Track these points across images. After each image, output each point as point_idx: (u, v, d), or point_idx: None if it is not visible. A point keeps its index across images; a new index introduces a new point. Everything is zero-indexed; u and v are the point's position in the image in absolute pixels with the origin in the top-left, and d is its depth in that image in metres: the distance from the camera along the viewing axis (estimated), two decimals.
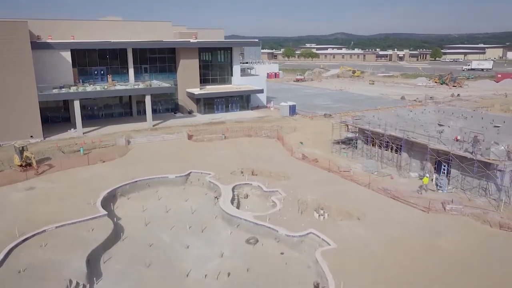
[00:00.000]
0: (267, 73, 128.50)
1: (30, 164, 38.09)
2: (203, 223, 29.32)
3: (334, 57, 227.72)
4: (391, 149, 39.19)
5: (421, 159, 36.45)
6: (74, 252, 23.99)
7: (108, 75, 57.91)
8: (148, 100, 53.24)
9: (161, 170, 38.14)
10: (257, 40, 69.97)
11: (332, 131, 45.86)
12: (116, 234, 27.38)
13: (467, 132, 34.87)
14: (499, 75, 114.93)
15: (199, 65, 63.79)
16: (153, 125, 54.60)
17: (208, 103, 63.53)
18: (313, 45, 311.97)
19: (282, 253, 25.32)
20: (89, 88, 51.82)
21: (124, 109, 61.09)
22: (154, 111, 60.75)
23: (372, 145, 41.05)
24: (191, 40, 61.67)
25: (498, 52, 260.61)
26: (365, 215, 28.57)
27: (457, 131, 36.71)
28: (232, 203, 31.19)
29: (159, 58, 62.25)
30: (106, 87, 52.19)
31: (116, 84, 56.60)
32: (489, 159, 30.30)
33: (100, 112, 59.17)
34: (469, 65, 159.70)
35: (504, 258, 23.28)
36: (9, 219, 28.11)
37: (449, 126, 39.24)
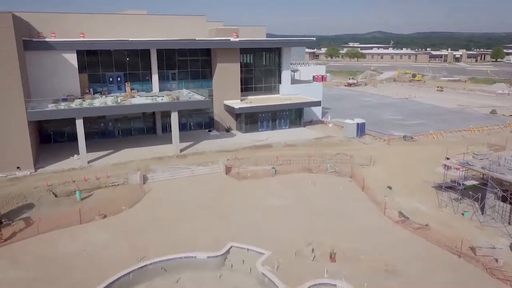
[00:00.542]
0: (313, 76, 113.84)
1: None
2: None
3: (382, 58, 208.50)
4: None
5: None
6: None
7: (126, 83, 45.48)
8: (174, 118, 40.21)
9: (185, 237, 24.87)
10: (314, 38, 55.29)
11: (426, 166, 30.96)
12: None
13: None
14: None
15: (240, 70, 50.34)
16: (181, 150, 41.59)
17: (251, 119, 49.91)
18: (356, 44, 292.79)
19: None
20: (98, 101, 39.28)
21: (146, 124, 48.51)
22: (183, 127, 48.14)
23: None
24: (231, 39, 48.21)
25: None
26: None
27: None
28: None
29: (190, 62, 49.23)
30: (120, 100, 39.48)
31: (135, 95, 44.03)
32: None
33: (116, 128, 46.86)
34: None
35: None
36: None
37: None
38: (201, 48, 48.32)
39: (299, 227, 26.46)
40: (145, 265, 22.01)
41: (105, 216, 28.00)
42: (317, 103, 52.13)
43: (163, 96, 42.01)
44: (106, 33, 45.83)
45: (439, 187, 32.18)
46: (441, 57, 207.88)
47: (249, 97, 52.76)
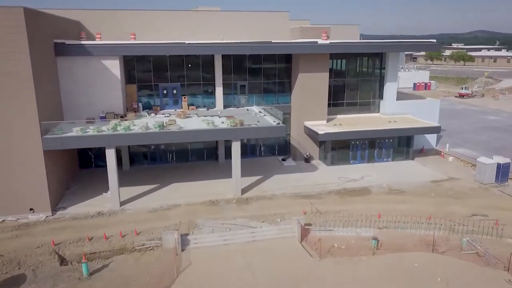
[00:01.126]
0: (414, 84, 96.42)
1: None
2: None
3: (495, 61, 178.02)
4: None
5: None
6: None
7: (183, 97, 36.21)
8: (236, 149, 29.59)
9: None
10: (434, 40, 40.82)
11: None
12: None
13: None
14: None
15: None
16: (243, 190, 30.93)
17: (339, 146, 37.52)
18: (460, 45, 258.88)
19: None
20: (139, 122, 29.97)
21: (207, 148, 38.76)
22: (251, 152, 38.38)
23: None
24: (319, 41, 36.24)
25: None
26: None
27: None
28: None
29: (264, 70, 38.34)
30: (166, 123, 29.72)
31: (192, 113, 34.38)
32: None
33: (169, 151, 37.84)
34: None
35: None
36: None
37: None
38: (280, 53, 37.08)
39: None
40: None
41: None
42: (436, 130, 37.79)
43: (223, 120, 31.48)
44: (168, 34, 37.20)
45: None
46: None
47: (338, 116, 40.43)
